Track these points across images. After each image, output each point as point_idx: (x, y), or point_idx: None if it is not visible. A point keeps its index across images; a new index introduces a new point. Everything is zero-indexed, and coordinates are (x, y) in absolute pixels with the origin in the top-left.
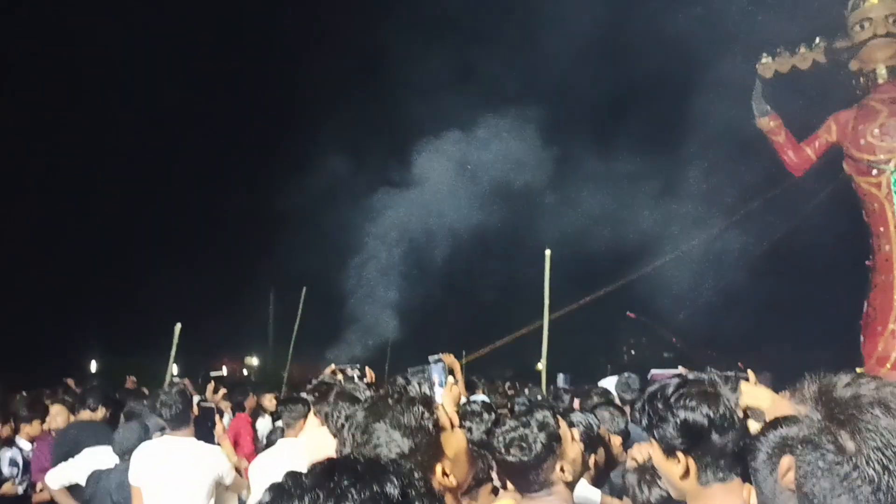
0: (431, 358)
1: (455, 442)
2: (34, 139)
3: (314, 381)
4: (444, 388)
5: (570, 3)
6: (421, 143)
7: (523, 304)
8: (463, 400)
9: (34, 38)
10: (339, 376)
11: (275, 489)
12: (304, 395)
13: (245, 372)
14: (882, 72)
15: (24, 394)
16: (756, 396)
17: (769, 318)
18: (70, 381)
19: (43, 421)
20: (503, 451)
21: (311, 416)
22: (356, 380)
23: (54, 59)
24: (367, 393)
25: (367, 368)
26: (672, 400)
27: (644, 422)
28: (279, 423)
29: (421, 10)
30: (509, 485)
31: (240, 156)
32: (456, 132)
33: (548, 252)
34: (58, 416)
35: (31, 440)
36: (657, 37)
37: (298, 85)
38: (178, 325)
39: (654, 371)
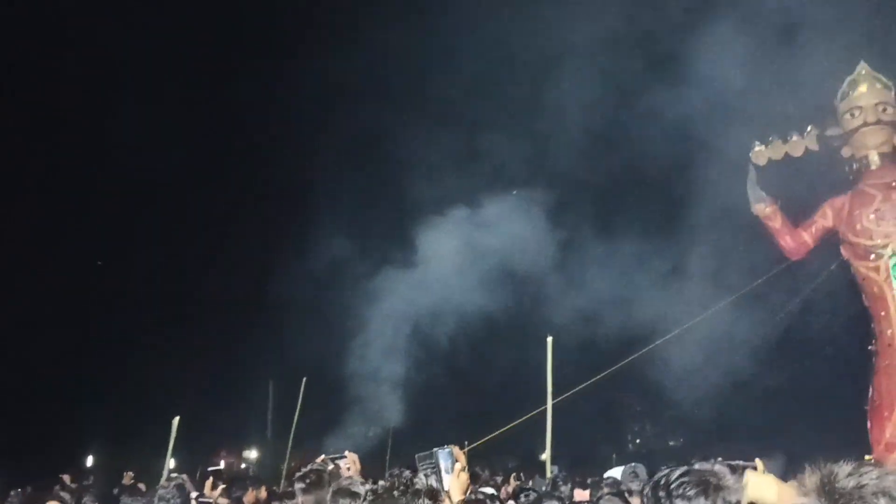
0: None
1: None
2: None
3: (303, 470)
4: (452, 474)
5: (572, 88)
6: (423, 227)
7: (528, 388)
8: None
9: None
10: (331, 467)
11: None
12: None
13: (244, 465)
14: (874, 158)
15: (19, 490)
16: (762, 489)
17: (777, 403)
18: (66, 478)
19: None
20: None
21: None
22: (347, 471)
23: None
24: (366, 487)
25: (348, 455)
26: (672, 487)
27: None
28: None
29: (424, 94)
30: None
31: (239, 241)
32: (459, 216)
33: (550, 339)
34: None
35: None
36: (659, 121)
37: (299, 168)
38: (177, 419)
39: None
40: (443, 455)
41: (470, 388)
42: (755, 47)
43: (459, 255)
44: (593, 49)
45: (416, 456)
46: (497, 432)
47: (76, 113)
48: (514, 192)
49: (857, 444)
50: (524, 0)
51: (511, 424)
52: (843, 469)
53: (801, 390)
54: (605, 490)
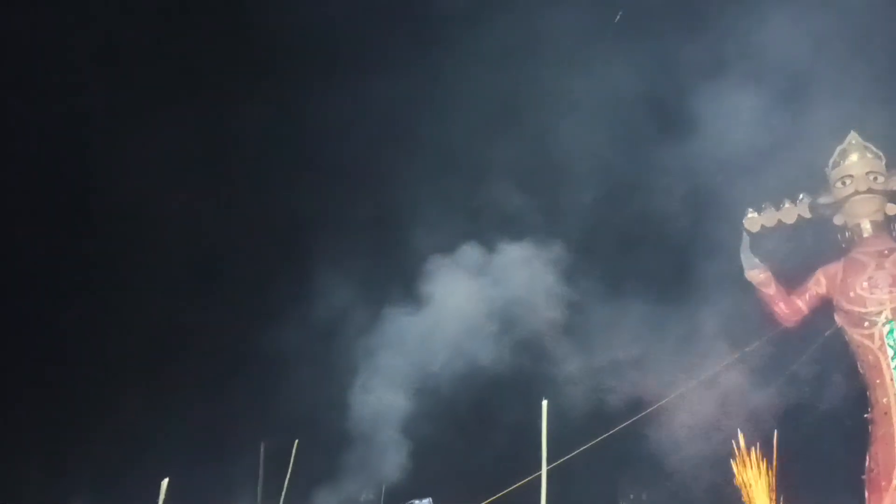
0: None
1: None
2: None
3: None
4: None
5: (579, 142)
6: (426, 277)
7: (531, 451)
8: None
9: None
10: None
11: None
12: None
13: None
14: (866, 226)
15: None
16: None
17: (775, 470)
18: None
19: None
20: None
21: None
22: None
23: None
24: None
25: None
26: None
27: None
28: None
29: (430, 140)
30: None
31: (230, 289)
32: (462, 267)
33: (545, 403)
34: None
35: None
36: (667, 180)
37: (296, 210)
38: (165, 481)
39: None
40: None
41: (472, 448)
42: (767, 106)
43: (463, 308)
44: (601, 105)
45: None
46: (491, 498)
47: (68, 143)
48: (522, 245)
49: None
50: (533, 54)
51: (503, 491)
52: None
53: (800, 458)
54: None
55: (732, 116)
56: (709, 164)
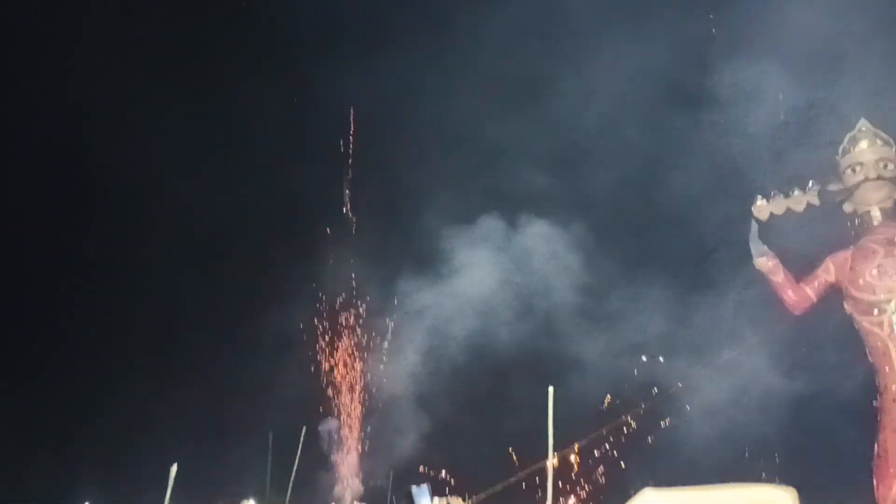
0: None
1: None
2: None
3: None
4: None
5: (598, 124)
6: (438, 256)
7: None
8: None
9: None
10: None
11: None
12: None
13: None
14: (876, 213)
15: None
16: None
17: (781, 457)
18: None
19: None
20: None
21: None
22: None
23: None
24: None
25: None
26: None
27: None
28: None
29: (445, 119)
30: None
31: (235, 277)
32: (480, 251)
33: (551, 389)
34: None
35: None
36: (691, 160)
37: (305, 188)
38: (174, 467)
39: None
40: (418, 492)
41: (486, 430)
42: (795, 92)
43: (476, 289)
44: (620, 85)
45: (393, 497)
46: (494, 488)
47: (73, 134)
48: (540, 226)
49: (862, 501)
50: (553, 33)
51: (511, 480)
52: None
53: (809, 444)
54: None
55: (754, 98)
56: (729, 146)
